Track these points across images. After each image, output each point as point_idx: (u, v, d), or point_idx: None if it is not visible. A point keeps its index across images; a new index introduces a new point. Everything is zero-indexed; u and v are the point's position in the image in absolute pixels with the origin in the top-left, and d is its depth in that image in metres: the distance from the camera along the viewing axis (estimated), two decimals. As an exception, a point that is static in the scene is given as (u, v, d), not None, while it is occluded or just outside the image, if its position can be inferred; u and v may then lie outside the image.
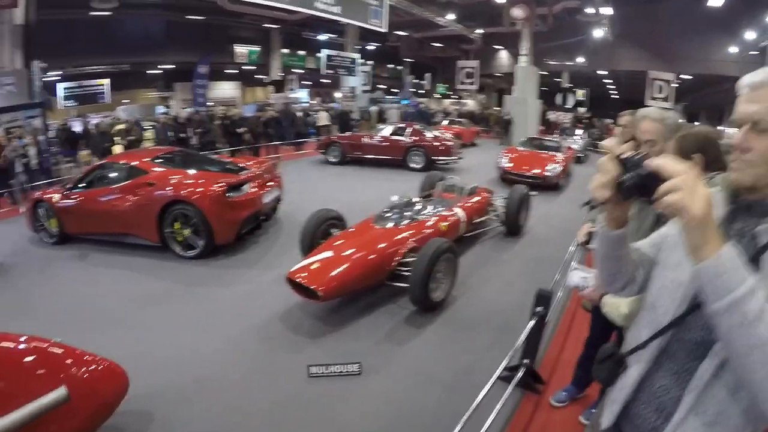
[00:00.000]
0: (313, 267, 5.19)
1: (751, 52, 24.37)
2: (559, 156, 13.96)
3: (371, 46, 38.37)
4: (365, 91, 30.73)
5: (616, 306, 2.52)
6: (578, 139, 21.70)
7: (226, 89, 40.30)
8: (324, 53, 26.67)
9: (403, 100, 35.69)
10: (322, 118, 22.65)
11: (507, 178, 13.14)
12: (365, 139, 15.58)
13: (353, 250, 5.45)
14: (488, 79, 42.77)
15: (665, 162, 1.17)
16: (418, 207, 6.75)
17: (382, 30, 17.72)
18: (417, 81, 40.94)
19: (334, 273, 5.08)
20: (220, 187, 6.98)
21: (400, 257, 5.60)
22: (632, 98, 34.05)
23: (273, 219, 8.80)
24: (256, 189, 7.68)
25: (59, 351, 3.14)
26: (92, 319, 5.26)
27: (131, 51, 29.48)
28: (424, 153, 14.70)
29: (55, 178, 13.03)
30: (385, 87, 45.56)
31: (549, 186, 12.76)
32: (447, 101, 46.21)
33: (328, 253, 5.41)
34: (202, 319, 5.33)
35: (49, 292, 6.12)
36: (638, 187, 1.26)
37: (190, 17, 29.51)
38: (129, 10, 26.14)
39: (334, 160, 15.76)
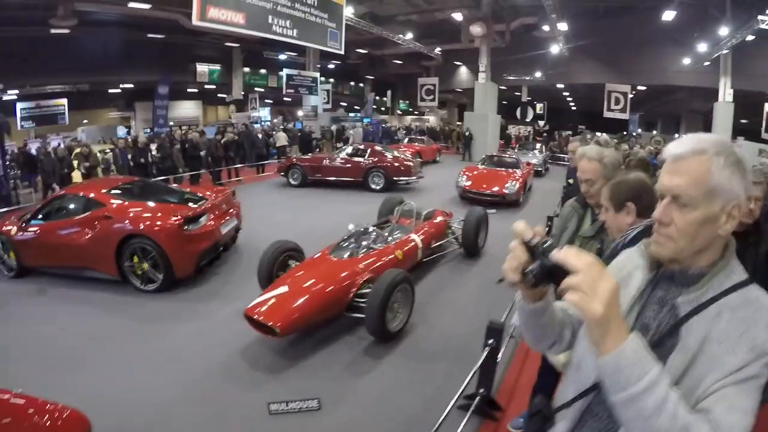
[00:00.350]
0: (269, 303, 5.19)
1: (705, 63, 25.28)
2: (518, 172, 14.18)
3: (333, 64, 38.52)
4: (326, 110, 30.83)
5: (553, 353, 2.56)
6: (537, 153, 22.07)
7: (187, 108, 40.06)
8: (284, 73, 26.68)
9: (364, 119, 35.88)
10: (281, 139, 22.68)
11: (467, 197, 13.32)
12: (326, 162, 15.68)
13: (309, 283, 5.46)
14: (449, 94, 43.35)
15: (569, 256, 1.17)
16: (374, 235, 6.76)
17: (340, 52, 17.89)
18: (379, 98, 41.10)
19: (290, 308, 5.10)
20: (177, 220, 6.93)
21: (357, 288, 5.63)
22: (591, 110, 35.06)
23: (233, 248, 8.76)
24: (214, 220, 7.66)
25: (21, 402, 3.08)
26: (51, 361, 5.17)
27: (91, 70, 29.29)
28: (383, 174, 14.84)
29: (15, 206, 12.78)
30: (347, 105, 45.81)
31: (509, 203, 12.97)
32: (409, 118, 46.60)
33: (284, 288, 5.41)
34: (162, 357, 5.27)
35: (7, 332, 5.99)
36: (543, 277, 1.25)
37: (150, 35, 29.14)
38: (88, 28, 25.74)
39: (295, 182, 15.76)
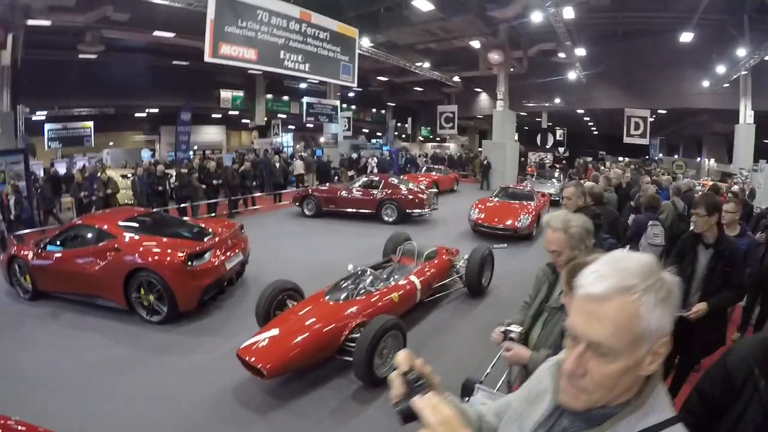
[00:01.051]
0: (260, 344, 5.29)
1: (725, 84, 24.99)
2: (532, 205, 14.03)
3: (354, 92, 38.93)
4: (347, 137, 31.07)
5: None
6: (555, 182, 21.86)
7: (211, 133, 40.63)
8: (304, 101, 27.07)
9: (384, 147, 36.07)
10: (298, 167, 22.80)
11: (479, 231, 13.26)
12: (339, 193, 15.84)
13: (301, 326, 5.55)
14: (470, 121, 43.46)
15: (425, 408, 1.11)
16: (370, 278, 6.77)
17: (353, 85, 17.98)
18: (401, 125, 41.34)
19: (280, 351, 5.20)
20: (182, 256, 7.13)
21: (349, 332, 5.69)
22: (612, 133, 34.91)
23: (239, 282, 8.89)
24: (220, 255, 7.83)
25: (22, 429, 3.23)
26: (56, 387, 5.41)
27: (117, 94, 29.82)
28: (396, 206, 14.94)
29: (38, 227, 13.29)
30: (368, 131, 46.13)
31: (521, 237, 12.89)
32: (429, 145, 46.72)
33: (276, 330, 5.51)
34: (160, 390, 5.43)
35: (18, 355, 6.26)
36: (410, 417, 1.18)
37: (175, 62, 29.75)
38: (115, 54, 26.40)
39: (309, 213, 15.96)
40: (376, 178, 16.30)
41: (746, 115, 23.90)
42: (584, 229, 2.72)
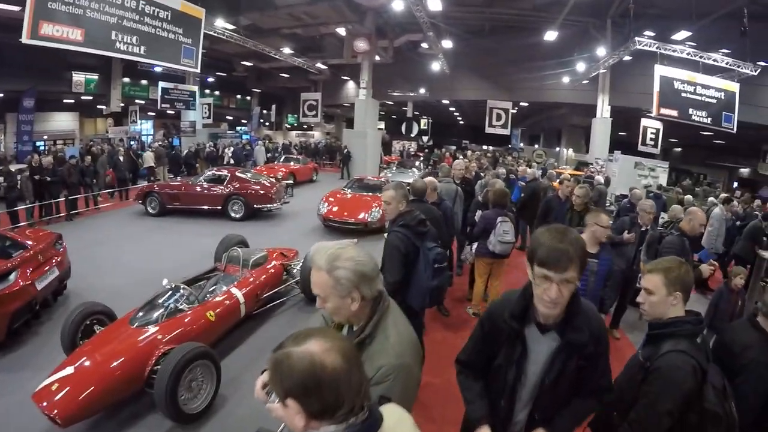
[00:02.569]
0: (53, 388, 4.42)
1: (584, 81, 26.25)
2: None
3: (216, 77, 37.45)
4: (207, 125, 29.71)
5: None
6: (416, 171, 21.70)
7: (62, 121, 37.29)
8: (160, 86, 25.58)
9: (244, 135, 34.93)
10: (148, 159, 20.83)
11: (330, 225, 12.72)
12: (183, 189, 14.61)
13: (97, 361, 4.72)
14: (337, 109, 43.09)
15: None
16: (184, 294, 5.93)
17: (196, 71, 16.58)
18: (266, 112, 40.14)
19: (74, 394, 4.38)
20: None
21: (154, 361, 4.93)
22: (477, 124, 35.66)
23: (62, 300, 7.87)
24: (29, 275, 6.71)
25: None
26: None
27: None
28: (243, 201, 14.00)
29: None
30: (233, 118, 44.64)
31: (373, 230, 12.37)
32: (293, 133, 46.02)
33: (69, 369, 4.61)
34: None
35: None
36: None
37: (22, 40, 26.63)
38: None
39: (153, 211, 14.56)
40: (223, 172, 15.13)
41: (603, 109, 25.82)
42: (358, 274, 2.00)
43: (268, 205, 14.23)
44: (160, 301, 5.82)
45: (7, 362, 6.07)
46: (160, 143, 26.89)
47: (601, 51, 22.77)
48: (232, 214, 14.06)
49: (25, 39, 10.68)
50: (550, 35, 22.49)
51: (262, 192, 14.21)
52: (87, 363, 4.71)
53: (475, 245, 7.19)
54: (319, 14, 23.68)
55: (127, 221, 14.21)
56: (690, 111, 18.02)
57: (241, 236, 8.65)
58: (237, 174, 14.74)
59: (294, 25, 25.80)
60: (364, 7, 22.66)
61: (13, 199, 13.48)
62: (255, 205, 14.03)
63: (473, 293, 7.56)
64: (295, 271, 7.84)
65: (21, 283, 6.50)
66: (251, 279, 6.92)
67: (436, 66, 29.03)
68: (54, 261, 7.50)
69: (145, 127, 38.05)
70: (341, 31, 25.88)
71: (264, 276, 7.19)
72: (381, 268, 4.39)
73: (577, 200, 7.48)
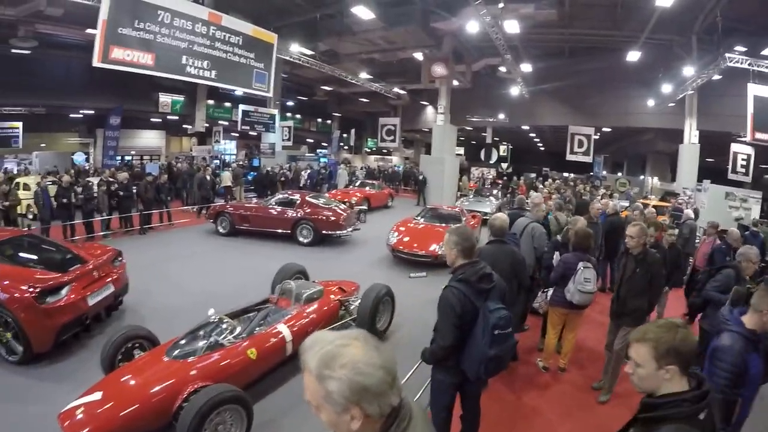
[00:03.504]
0: (79, 411, 4.29)
1: (670, 104, 25.08)
2: None
3: (297, 101, 38.09)
4: (286, 147, 30.08)
5: None
6: (493, 200, 21.11)
7: (150, 138, 39.40)
8: (240, 109, 26.12)
9: (322, 158, 35.13)
10: (225, 179, 20.84)
11: (398, 257, 12.16)
12: (254, 211, 14.59)
13: (127, 390, 4.58)
14: (416, 134, 42.95)
15: None
16: (227, 328, 5.67)
17: (269, 95, 16.74)
18: (346, 136, 40.47)
19: (99, 422, 4.23)
20: (33, 292, 6.17)
21: (184, 397, 4.67)
22: (558, 150, 34.65)
23: (116, 315, 7.90)
24: (81, 290, 6.80)
25: None
26: None
27: (50, 93, 28.34)
28: (312, 227, 13.75)
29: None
30: (313, 141, 45.26)
31: (444, 264, 11.68)
32: (372, 157, 46.15)
33: (98, 395, 4.47)
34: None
35: None
36: None
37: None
38: (50, 50, 25.03)
39: (223, 231, 14.64)
40: (294, 196, 14.92)
41: (691, 135, 24.22)
42: (356, 389, 1.41)
43: (338, 232, 13.92)
44: (201, 332, 5.60)
45: (49, 372, 6.23)
46: (238, 163, 27.31)
47: (687, 71, 21.56)
48: (301, 239, 13.86)
49: (95, 62, 11.04)
50: (633, 55, 21.65)
51: (332, 218, 13.91)
52: (115, 392, 4.57)
53: (550, 292, 6.46)
54: (396, 39, 23.60)
55: (196, 239, 14.34)
56: (788, 135, 16.39)
57: (300, 266, 8.29)
58: (307, 198, 14.55)
59: (371, 50, 25.88)
60: (441, 32, 22.38)
61: (90, 210, 14.06)
62: (324, 231, 13.78)
63: (545, 344, 6.77)
64: (353, 308, 7.32)
65: (72, 298, 6.62)
66: (303, 315, 6.50)
67: (515, 90, 28.49)
68: (110, 277, 7.54)
69: (229, 147, 39.06)
70: (418, 55, 25.66)
71: (317, 312, 6.74)
72: (434, 327, 3.99)
73: (630, 242, 5.77)
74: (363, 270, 11.20)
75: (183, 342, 5.41)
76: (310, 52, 25.12)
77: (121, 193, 15.13)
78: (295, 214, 13.98)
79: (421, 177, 24.67)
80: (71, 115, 33.69)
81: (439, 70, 23.89)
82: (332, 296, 7.19)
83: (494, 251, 5.64)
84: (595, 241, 7.08)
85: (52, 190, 14.18)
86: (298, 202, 14.29)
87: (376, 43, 24.77)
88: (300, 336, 6.10)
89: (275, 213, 14.31)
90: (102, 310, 7.43)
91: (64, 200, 13.81)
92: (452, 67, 24.26)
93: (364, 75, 29.60)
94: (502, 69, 25.52)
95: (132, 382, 4.72)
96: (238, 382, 5.04)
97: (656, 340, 2.15)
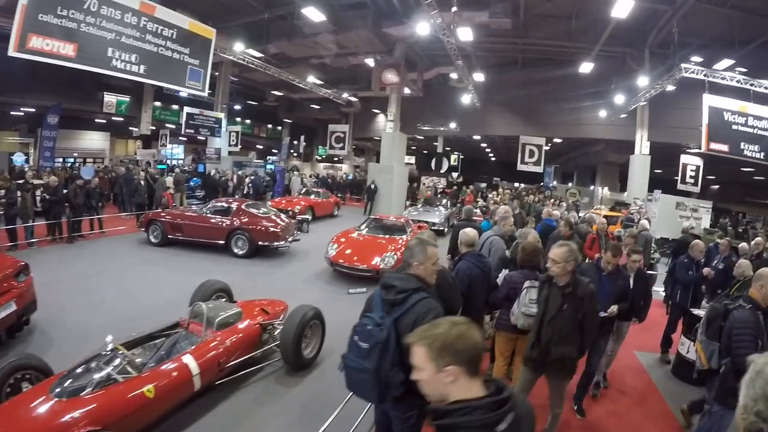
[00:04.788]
0: None
1: (621, 116, 25.36)
2: (402, 239, 12.00)
3: (244, 105, 37.31)
4: (233, 153, 29.29)
5: None
6: (442, 209, 20.59)
7: (94, 140, 38.28)
8: (185, 111, 25.28)
9: (269, 165, 34.48)
10: (166, 184, 19.76)
11: (339, 271, 11.38)
12: (186, 219, 13.59)
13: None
14: (367, 142, 42.66)
15: None
16: (122, 360, 4.83)
17: (203, 94, 15.72)
18: (296, 143, 39.87)
19: None
20: None
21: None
22: (509, 160, 34.78)
23: (22, 336, 7.12)
24: None
25: None
26: None
27: None
28: (247, 237, 12.86)
29: None
30: (263, 147, 44.59)
31: None
32: (321, 165, 45.77)
33: None
34: None
35: None
36: None
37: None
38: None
39: (155, 240, 13.63)
40: (228, 204, 14.02)
41: (642, 145, 24.66)
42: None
43: (275, 243, 13.03)
44: (93, 364, 4.77)
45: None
46: (181, 168, 26.37)
47: (642, 80, 21.57)
48: (236, 250, 12.94)
49: (11, 51, 10.16)
50: (586, 67, 21.75)
51: (269, 228, 13.02)
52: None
53: (492, 316, 5.91)
54: (347, 44, 22.99)
55: (126, 250, 13.32)
56: (742, 146, 16.22)
57: (222, 283, 7.46)
58: (243, 207, 13.63)
59: (322, 54, 25.21)
60: (393, 37, 21.91)
61: (12, 216, 12.89)
62: (260, 242, 12.90)
63: (493, 373, 5.84)
64: (277, 332, 6.52)
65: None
66: (213, 344, 5.66)
67: (466, 99, 28.36)
68: (11, 294, 6.72)
69: (177, 151, 38.03)
70: (370, 62, 25.22)
71: (232, 339, 5.92)
72: None
73: (554, 268, 4.48)
74: (298, 286, 10.55)
75: (70, 376, 4.60)
76: (259, 54, 24.37)
77: (47, 197, 14.03)
78: (229, 224, 13.08)
79: (371, 185, 24.01)
80: (12, 113, 32.41)
81: (390, 77, 23.40)
82: (252, 320, 6.41)
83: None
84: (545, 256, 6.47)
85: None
86: (233, 210, 13.40)
87: (327, 47, 24.07)
88: (210, 369, 5.43)
89: (208, 222, 13.37)
90: (2, 331, 6.63)
91: (-17, 205, 12.80)
92: (404, 75, 23.80)
93: (312, 79, 28.97)
94: (454, 76, 25.15)
95: (13, 423, 3.96)
96: (134, 425, 4.41)
97: (430, 338, 1.92)
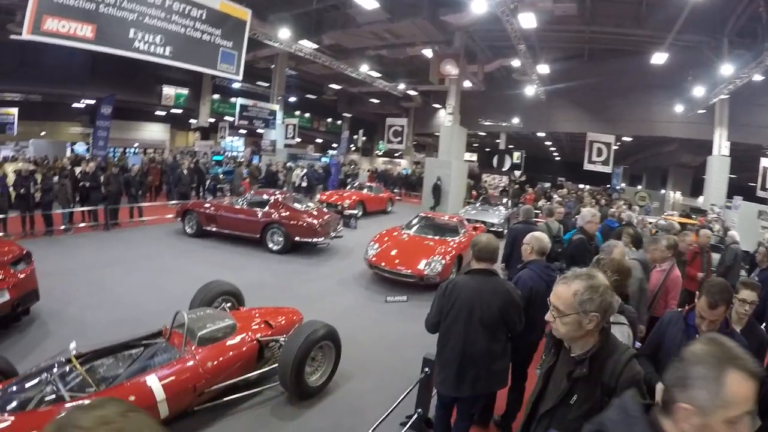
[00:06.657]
0: None
1: (699, 111, 23.11)
2: (454, 242, 10.60)
3: (302, 98, 37.05)
4: (289, 145, 28.76)
5: None
6: (502, 209, 19.25)
7: (154, 131, 39.12)
8: (238, 103, 24.86)
9: (323, 158, 33.94)
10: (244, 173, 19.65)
11: (379, 274, 10.09)
12: (221, 210, 12.82)
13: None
14: (428, 138, 41.69)
15: None
16: (75, 377, 3.99)
17: (237, 78, 14.93)
18: (356, 137, 39.30)
19: None
20: None
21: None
22: (574, 160, 32.90)
23: (19, 327, 6.63)
24: None
25: None
26: None
27: (50, 80, 27.88)
28: (284, 232, 11.89)
29: None
30: (322, 141, 44.37)
31: (431, 286, 9.10)
32: (380, 160, 45.17)
33: None
34: None
35: None
36: None
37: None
38: (52, 38, 24.02)
39: (190, 231, 13.02)
40: (266, 196, 12.99)
41: (721, 145, 22.22)
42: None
43: (313, 239, 11.99)
44: (44, 376, 3.94)
45: None
46: (252, 164, 26.10)
47: (726, 69, 18.96)
48: (271, 245, 12.02)
49: (25, 35, 9.61)
50: (658, 58, 19.63)
51: (307, 223, 11.99)
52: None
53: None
54: (403, 33, 22.05)
55: (160, 240, 12.76)
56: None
57: (229, 285, 6.49)
58: (281, 199, 12.66)
59: (378, 45, 24.35)
60: (451, 26, 20.79)
61: (48, 202, 12.85)
62: (296, 238, 11.92)
63: None
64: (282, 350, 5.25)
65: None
66: (189, 363, 4.57)
67: (530, 92, 26.87)
68: (5, 283, 6.30)
69: (237, 144, 38.42)
70: (428, 52, 24.10)
71: (217, 359, 4.79)
72: None
73: (555, 324, 2.36)
74: (330, 288, 9.49)
75: (18, 386, 3.83)
76: (314, 46, 23.63)
77: (87, 185, 13.93)
78: (263, 217, 12.17)
79: (438, 182, 22.71)
80: (73, 105, 33.11)
81: (449, 68, 22.28)
82: (250, 333, 5.28)
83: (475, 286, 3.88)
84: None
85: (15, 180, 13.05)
86: (270, 203, 12.47)
87: (382, 37, 23.25)
88: (182, 394, 4.39)
89: (243, 214, 12.51)
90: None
91: (22, 190, 12.50)
92: (464, 66, 22.61)
93: (365, 68, 28.14)
94: (516, 64, 23.66)
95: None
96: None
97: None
